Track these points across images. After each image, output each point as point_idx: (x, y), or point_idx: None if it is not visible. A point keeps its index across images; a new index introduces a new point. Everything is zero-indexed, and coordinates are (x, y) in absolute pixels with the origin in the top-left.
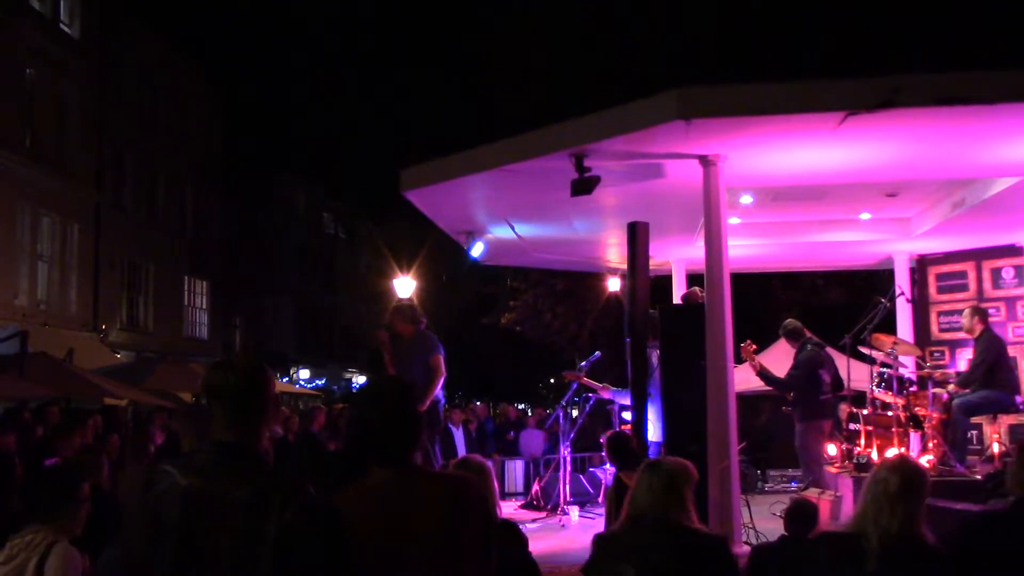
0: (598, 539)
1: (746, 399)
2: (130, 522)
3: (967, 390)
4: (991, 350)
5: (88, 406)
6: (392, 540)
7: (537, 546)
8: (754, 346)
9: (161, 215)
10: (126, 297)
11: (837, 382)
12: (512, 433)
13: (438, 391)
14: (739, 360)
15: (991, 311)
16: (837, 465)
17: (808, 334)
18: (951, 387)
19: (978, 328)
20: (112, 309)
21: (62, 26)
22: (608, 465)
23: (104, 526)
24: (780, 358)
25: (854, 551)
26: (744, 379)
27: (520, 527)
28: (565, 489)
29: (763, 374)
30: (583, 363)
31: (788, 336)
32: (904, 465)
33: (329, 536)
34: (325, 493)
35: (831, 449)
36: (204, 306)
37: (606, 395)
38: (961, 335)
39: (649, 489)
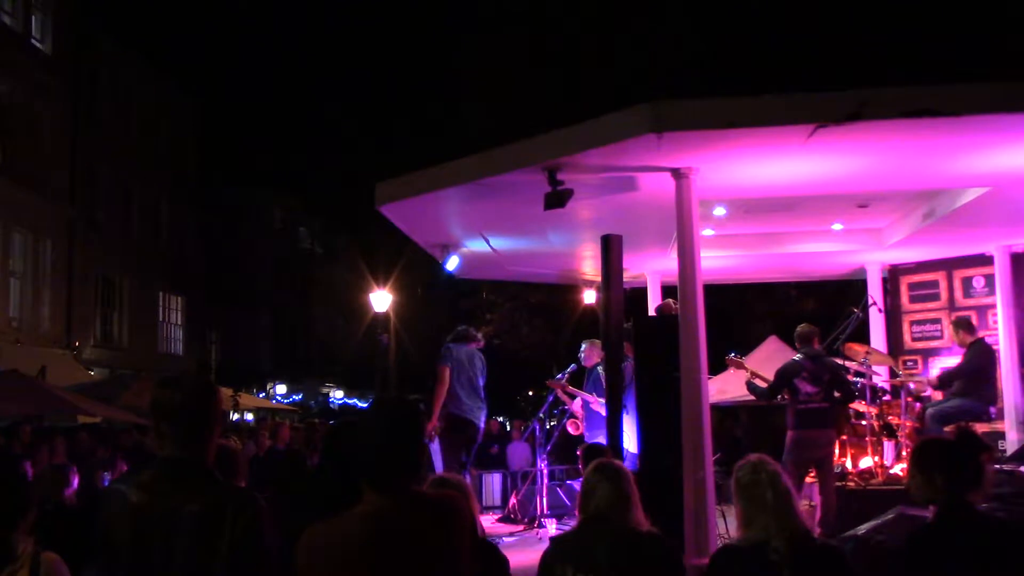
0: (554, 543)
1: (722, 410)
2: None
3: (943, 391)
4: (979, 357)
5: (62, 423)
6: (383, 568)
7: (514, 559)
8: (741, 357)
9: (135, 231)
10: (100, 313)
11: (844, 391)
12: (496, 447)
13: (460, 403)
14: (714, 371)
15: None
16: (813, 474)
17: (816, 344)
18: (927, 386)
19: (968, 339)
20: (86, 325)
21: (34, 42)
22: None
23: (76, 545)
24: (759, 366)
25: (763, 562)
26: (721, 390)
27: (500, 548)
28: (543, 502)
29: (751, 385)
30: (559, 375)
31: (796, 340)
32: (772, 464)
33: (284, 549)
34: (313, 516)
35: None
36: (179, 322)
37: (594, 406)
38: (934, 344)
39: (601, 489)
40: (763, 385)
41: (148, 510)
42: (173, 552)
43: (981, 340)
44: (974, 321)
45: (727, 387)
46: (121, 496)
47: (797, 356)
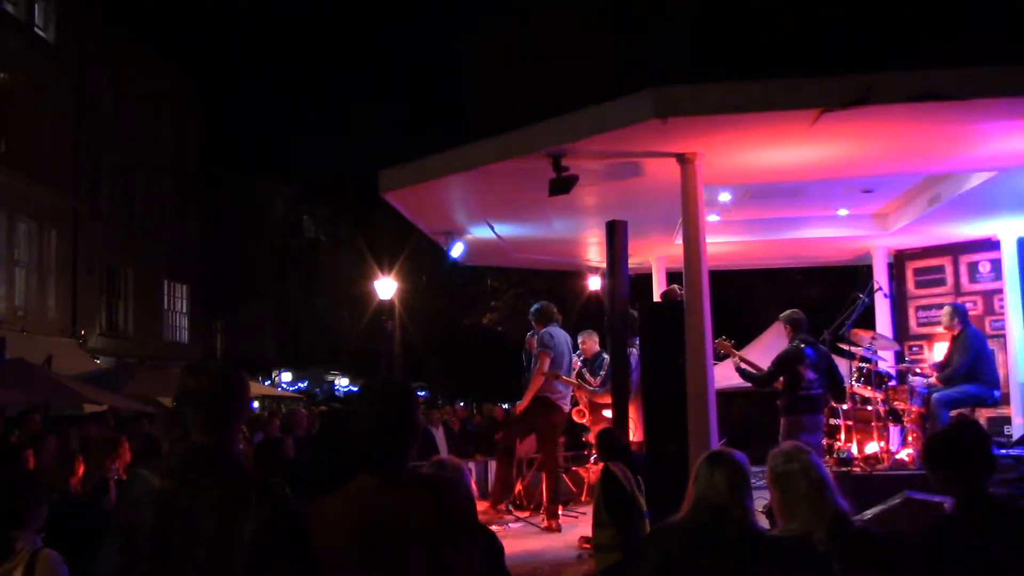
0: (659, 533)
1: (726, 396)
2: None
3: (947, 385)
4: (972, 348)
5: (68, 412)
6: (374, 547)
7: (521, 545)
8: (731, 341)
9: (139, 219)
10: (105, 302)
11: (835, 378)
12: (501, 433)
13: (556, 390)
14: (718, 357)
15: (968, 305)
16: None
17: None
18: (932, 380)
19: (958, 327)
20: (91, 314)
21: (37, 31)
22: (592, 462)
23: (84, 534)
24: (765, 351)
25: (811, 554)
26: (724, 376)
27: (496, 535)
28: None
29: (742, 370)
30: None
31: (786, 324)
32: (806, 452)
33: (303, 536)
34: (306, 499)
35: None
36: (184, 310)
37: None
38: (939, 329)
39: (726, 481)
40: (752, 370)
41: (172, 495)
42: (196, 538)
43: (968, 327)
44: (979, 306)
45: (732, 373)
46: (145, 481)
47: (797, 342)
